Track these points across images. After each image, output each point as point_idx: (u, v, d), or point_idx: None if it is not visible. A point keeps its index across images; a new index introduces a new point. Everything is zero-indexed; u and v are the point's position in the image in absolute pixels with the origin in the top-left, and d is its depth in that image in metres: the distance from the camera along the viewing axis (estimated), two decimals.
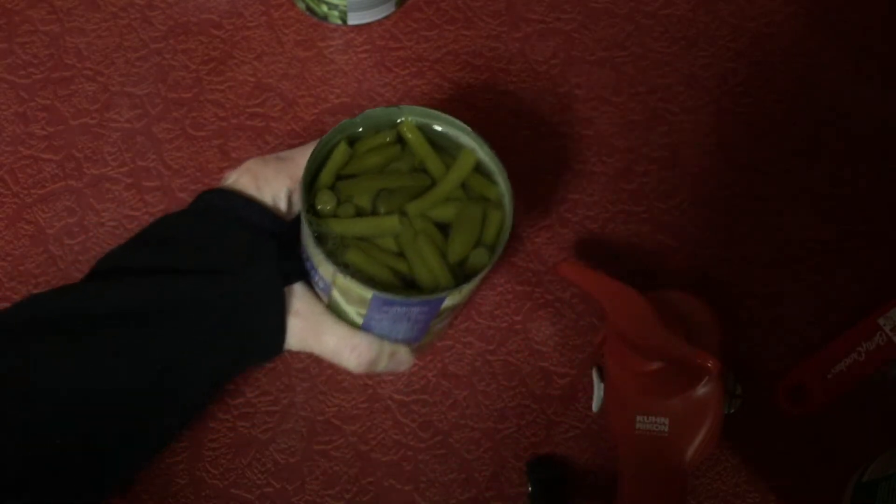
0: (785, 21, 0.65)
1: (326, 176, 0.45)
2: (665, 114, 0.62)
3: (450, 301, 0.44)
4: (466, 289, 0.44)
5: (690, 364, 0.47)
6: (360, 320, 0.46)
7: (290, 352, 0.54)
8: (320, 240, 0.43)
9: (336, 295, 0.45)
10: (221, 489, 0.52)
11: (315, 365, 0.54)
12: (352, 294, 0.44)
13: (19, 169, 0.58)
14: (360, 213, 0.45)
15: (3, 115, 0.60)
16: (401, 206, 0.45)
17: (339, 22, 0.63)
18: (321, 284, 0.46)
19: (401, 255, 0.44)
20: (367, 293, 0.43)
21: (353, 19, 0.62)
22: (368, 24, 0.63)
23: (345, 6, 0.61)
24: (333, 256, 0.43)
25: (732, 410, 0.52)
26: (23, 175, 0.58)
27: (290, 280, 0.46)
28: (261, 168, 0.47)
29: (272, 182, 0.47)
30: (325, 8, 0.62)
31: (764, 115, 0.62)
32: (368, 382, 0.54)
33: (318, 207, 0.44)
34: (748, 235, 0.59)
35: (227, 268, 0.44)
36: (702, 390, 0.49)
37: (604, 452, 0.54)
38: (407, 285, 0.44)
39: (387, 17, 0.64)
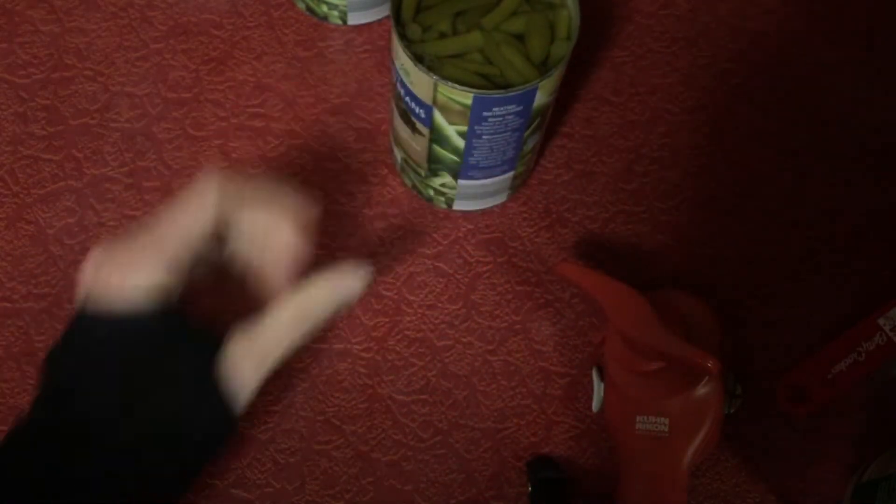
0: (784, 21, 0.66)
1: (407, 10, 0.50)
2: (665, 114, 0.62)
3: (541, 96, 0.48)
4: (555, 75, 0.48)
5: (690, 364, 0.47)
6: (461, 143, 0.50)
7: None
8: (418, 60, 0.47)
9: (438, 117, 0.49)
10: (221, 489, 0.52)
11: (315, 364, 0.54)
12: (452, 107, 0.48)
13: (19, 169, 0.58)
14: (443, 37, 0.50)
15: (3, 115, 0.60)
16: (477, 24, 0.50)
17: (340, 22, 0.63)
18: (422, 115, 0.50)
19: (489, 64, 0.49)
20: (468, 97, 0.47)
21: (354, 19, 0.62)
22: (369, 24, 0.63)
23: (345, 6, 0.61)
24: (432, 71, 0.47)
25: (732, 410, 0.52)
26: (23, 175, 0.58)
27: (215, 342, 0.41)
28: (118, 258, 0.40)
29: (138, 270, 0.40)
30: (325, 8, 0.62)
31: (763, 116, 0.62)
32: (368, 382, 0.54)
33: (408, 36, 0.49)
34: (748, 235, 0.59)
35: (150, 380, 0.40)
36: (702, 390, 0.49)
37: (604, 452, 0.54)
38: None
39: (387, 17, 0.64)
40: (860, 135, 0.62)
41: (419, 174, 0.56)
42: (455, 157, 0.52)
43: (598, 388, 0.53)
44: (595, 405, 0.53)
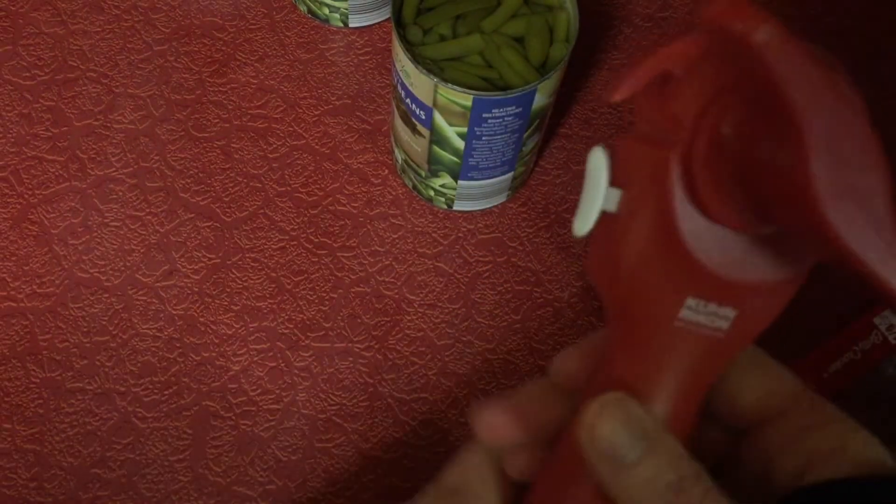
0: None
1: (408, 13, 0.51)
2: None
3: (540, 97, 0.49)
4: (553, 77, 0.48)
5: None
6: (461, 144, 0.51)
7: (290, 349, 0.55)
8: (418, 62, 0.48)
9: (437, 118, 0.50)
10: (224, 486, 0.52)
11: (316, 363, 0.55)
12: (452, 108, 0.48)
13: (24, 170, 0.59)
14: (444, 40, 0.51)
15: (8, 117, 0.60)
16: (477, 26, 0.51)
17: (341, 24, 0.63)
18: (422, 116, 0.50)
19: (489, 67, 0.50)
20: (468, 99, 0.47)
21: (355, 21, 0.63)
22: (369, 27, 0.64)
23: (346, 9, 0.61)
24: (432, 73, 0.48)
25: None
26: (27, 176, 0.59)
27: None
28: None
29: None
30: (326, 10, 0.62)
31: None
32: (369, 381, 0.55)
33: (409, 39, 0.50)
34: None
35: None
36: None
37: None
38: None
39: (388, 20, 0.64)
40: None
41: (419, 175, 0.56)
42: (455, 158, 0.53)
43: (599, 194, 0.27)
44: (582, 226, 0.27)
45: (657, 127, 0.26)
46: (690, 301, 0.26)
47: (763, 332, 0.28)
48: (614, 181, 0.27)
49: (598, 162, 0.27)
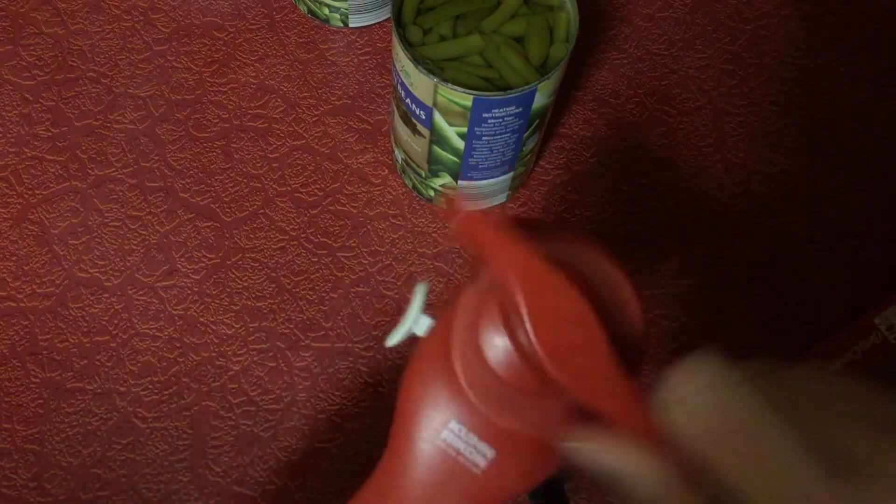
0: (781, 24, 0.66)
1: (408, 13, 0.51)
2: (663, 115, 0.63)
3: (540, 97, 0.49)
4: (553, 77, 0.48)
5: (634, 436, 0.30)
6: (461, 144, 0.51)
7: (290, 349, 0.55)
8: (418, 62, 0.48)
9: (438, 118, 0.50)
10: (224, 487, 0.52)
11: (317, 363, 0.55)
12: (452, 108, 0.48)
13: (24, 170, 0.59)
14: (444, 40, 0.50)
15: (8, 117, 0.60)
16: (477, 26, 0.51)
17: (341, 24, 0.63)
18: (422, 116, 0.50)
19: (489, 66, 0.50)
20: (468, 99, 0.47)
21: (355, 21, 0.63)
22: (369, 27, 0.64)
23: (346, 9, 0.61)
24: (432, 73, 0.48)
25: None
26: (27, 176, 0.59)
27: None
28: None
29: None
30: (326, 10, 0.62)
31: (760, 117, 0.63)
32: (370, 381, 0.55)
33: (409, 39, 0.50)
34: (745, 235, 0.60)
35: None
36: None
37: None
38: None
39: (388, 20, 0.64)
40: (857, 135, 0.63)
41: (419, 175, 0.56)
42: (455, 158, 0.53)
43: (416, 323, 0.32)
44: (390, 340, 0.33)
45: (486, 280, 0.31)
46: (454, 424, 0.31)
47: (516, 493, 0.32)
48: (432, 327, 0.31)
49: (418, 292, 0.32)
